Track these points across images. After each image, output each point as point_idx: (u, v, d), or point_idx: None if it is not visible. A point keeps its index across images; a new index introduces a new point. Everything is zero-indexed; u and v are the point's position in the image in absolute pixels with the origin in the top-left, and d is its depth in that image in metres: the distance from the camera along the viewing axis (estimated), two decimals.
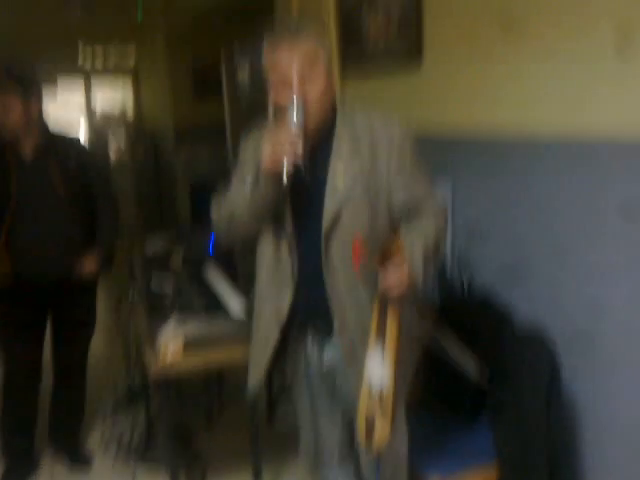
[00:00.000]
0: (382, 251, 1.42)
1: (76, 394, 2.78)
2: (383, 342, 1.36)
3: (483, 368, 1.99)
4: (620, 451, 1.86)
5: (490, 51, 2.15)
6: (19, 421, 2.66)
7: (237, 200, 1.57)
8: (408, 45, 2.56)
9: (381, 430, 1.35)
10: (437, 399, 2.08)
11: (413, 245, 1.50)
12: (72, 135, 2.72)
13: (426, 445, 1.88)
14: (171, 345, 2.07)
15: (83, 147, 2.79)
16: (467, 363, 2.02)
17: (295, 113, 1.45)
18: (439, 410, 2.10)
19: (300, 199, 1.57)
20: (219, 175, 5.71)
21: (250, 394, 1.77)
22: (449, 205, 2.29)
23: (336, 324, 1.59)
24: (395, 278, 1.44)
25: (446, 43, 2.39)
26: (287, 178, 1.43)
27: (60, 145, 2.54)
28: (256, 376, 1.72)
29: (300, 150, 1.42)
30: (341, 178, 1.52)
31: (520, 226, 2.12)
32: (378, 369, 1.35)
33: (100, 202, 2.64)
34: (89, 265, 2.57)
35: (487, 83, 2.19)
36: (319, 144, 1.56)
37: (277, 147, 1.42)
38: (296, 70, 1.46)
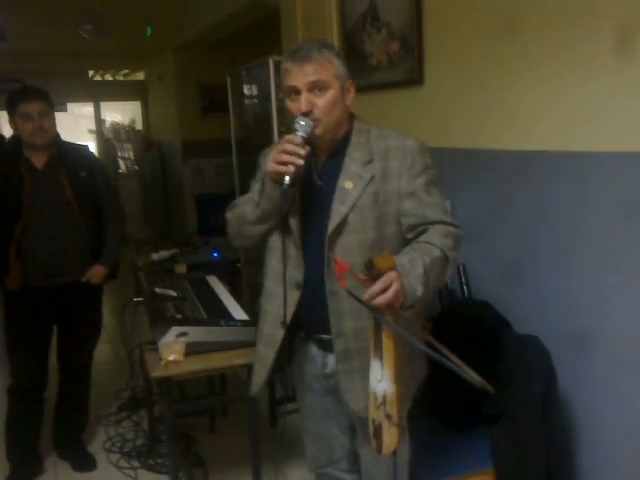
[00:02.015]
0: (370, 265, 1.32)
1: (80, 399, 2.81)
2: (381, 355, 1.36)
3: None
4: (619, 455, 1.86)
5: (489, 68, 2.22)
6: (25, 426, 2.68)
7: (248, 202, 1.64)
8: (410, 62, 2.62)
9: (389, 435, 1.37)
10: (434, 406, 2.05)
11: (413, 263, 1.42)
12: (82, 144, 2.79)
13: (424, 450, 1.86)
14: (173, 350, 2.10)
15: (93, 155, 2.86)
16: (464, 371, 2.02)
17: (300, 125, 1.51)
18: (436, 416, 2.09)
19: (310, 204, 1.61)
20: (224, 187, 5.82)
21: (253, 393, 1.78)
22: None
23: (333, 329, 1.60)
24: (380, 290, 1.31)
25: (447, 60, 2.45)
26: (288, 185, 1.49)
27: (70, 154, 2.61)
28: (260, 375, 1.74)
29: (300, 161, 1.47)
30: (351, 185, 1.56)
31: (518, 228, 2.16)
32: (379, 380, 1.36)
33: (108, 212, 2.69)
34: (96, 275, 2.62)
35: (485, 100, 2.26)
36: (334, 152, 1.61)
37: (279, 156, 1.48)
38: (304, 83, 1.52)
